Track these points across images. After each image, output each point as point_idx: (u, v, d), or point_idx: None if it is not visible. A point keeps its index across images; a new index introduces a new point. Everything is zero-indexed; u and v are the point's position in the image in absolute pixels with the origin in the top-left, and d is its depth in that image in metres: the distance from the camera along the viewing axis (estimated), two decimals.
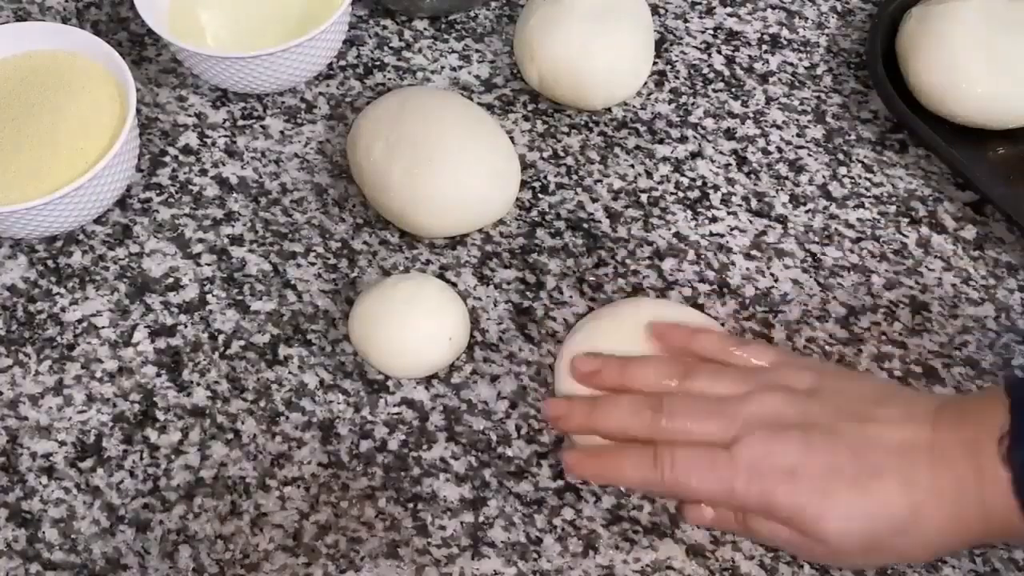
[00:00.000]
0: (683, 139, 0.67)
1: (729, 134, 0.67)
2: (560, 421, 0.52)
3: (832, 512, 0.45)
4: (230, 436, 0.57)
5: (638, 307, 0.56)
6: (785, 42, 0.72)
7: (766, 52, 0.71)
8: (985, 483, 0.44)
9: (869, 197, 0.65)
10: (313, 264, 0.62)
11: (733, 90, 0.69)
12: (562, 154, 0.66)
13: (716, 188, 0.65)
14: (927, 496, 0.45)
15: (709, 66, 0.71)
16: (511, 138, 0.65)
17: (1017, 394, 0.45)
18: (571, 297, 0.61)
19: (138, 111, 0.64)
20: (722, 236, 0.63)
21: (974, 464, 0.44)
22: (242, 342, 0.60)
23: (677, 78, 0.70)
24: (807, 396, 0.49)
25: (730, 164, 0.66)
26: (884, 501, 0.45)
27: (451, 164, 0.60)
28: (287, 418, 0.57)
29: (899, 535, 0.46)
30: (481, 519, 0.54)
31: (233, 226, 0.64)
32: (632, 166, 0.66)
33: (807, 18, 0.73)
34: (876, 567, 0.52)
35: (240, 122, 0.68)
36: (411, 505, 0.55)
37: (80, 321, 0.60)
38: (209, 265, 0.62)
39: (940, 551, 0.49)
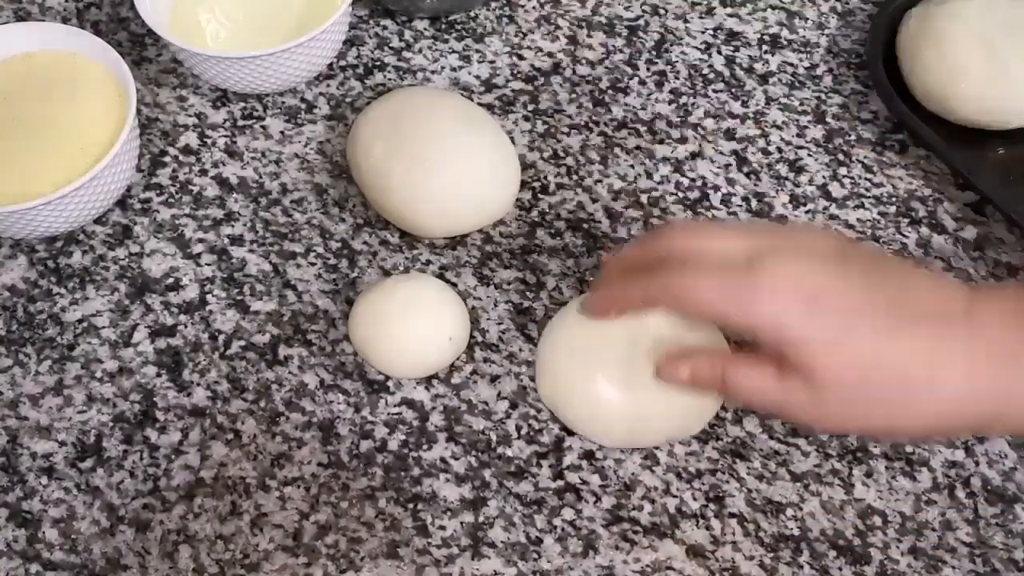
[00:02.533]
0: (683, 139, 0.67)
1: (729, 134, 0.67)
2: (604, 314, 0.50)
3: (842, 353, 0.41)
4: (230, 436, 0.57)
5: None
6: (785, 42, 0.72)
7: (766, 52, 0.71)
8: (1018, 362, 0.40)
9: (869, 197, 0.65)
10: (313, 264, 0.62)
11: (733, 90, 0.69)
12: (562, 154, 0.66)
13: (716, 188, 0.65)
14: (949, 365, 0.40)
15: (709, 66, 0.71)
16: (511, 138, 0.65)
17: None
18: (571, 297, 0.61)
19: (138, 111, 0.64)
20: None
21: (1013, 339, 0.40)
22: (242, 342, 0.60)
23: (677, 78, 0.70)
24: (841, 243, 0.44)
25: (730, 164, 0.66)
26: (908, 355, 0.41)
27: (451, 164, 0.60)
28: (287, 418, 0.57)
29: (902, 397, 0.41)
30: (481, 519, 0.54)
31: (233, 226, 0.64)
32: (632, 166, 0.66)
33: (807, 18, 0.73)
34: (852, 433, 0.47)
35: (240, 122, 0.68)
36: (411, 505, 0.55)
37: (80, 321, 0.60)
38: (209, 265, 0.62)
39: (942, 427, 0.44)
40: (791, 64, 0.71)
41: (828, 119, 0.68)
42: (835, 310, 0.41)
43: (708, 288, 0.43)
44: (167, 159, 0.66)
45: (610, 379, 0.54)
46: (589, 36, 0.72)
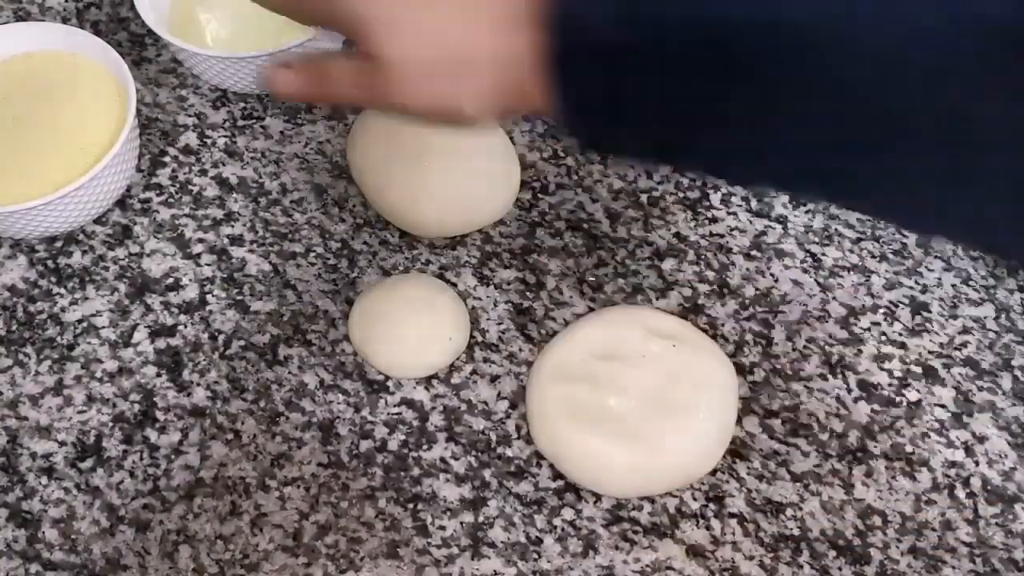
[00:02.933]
0: None
1: None
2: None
3: (395, 27, 0.42)
4: (230, 436, 0.57)
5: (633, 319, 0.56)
6: None
7: None
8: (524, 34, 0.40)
9: None
10: (313, 264, 0.62)
11: None
12: (562, 154, 0.66)
13: (716, 188, 0.65)
14: (479, 33, 0.41)
15: None
16: (511, 138, 0.65)
17: None
18: (571, 297, 0.61)
19: (138, 111, 0.64)
20: (722, 236, 0.63)
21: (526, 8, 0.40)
22: (242, 342, 0.60)
23: None
24: None
25: None
26: (442, 24, 0.42)
27: (451, 164, 0.60)
28: (287, 418, 0.57)
29: (454, 70, 0.42)
30: (481, 519, 0.54)
31: (233, 226, 0.64)
32: (632, 166, 0.66)
33: None
34: (438, 109, 0.46)
35: (240, 122, 0.68)
36: (411, 505, 0.55)
37: (80, 321, 0.60)
38: (209, 265, 0.62)
39: (494, 103, 0.44)
40: None
41: None
42: None
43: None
44: (167, 159, 0.66)
45: (606, 435, 0.53)
46: None
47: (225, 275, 0.62)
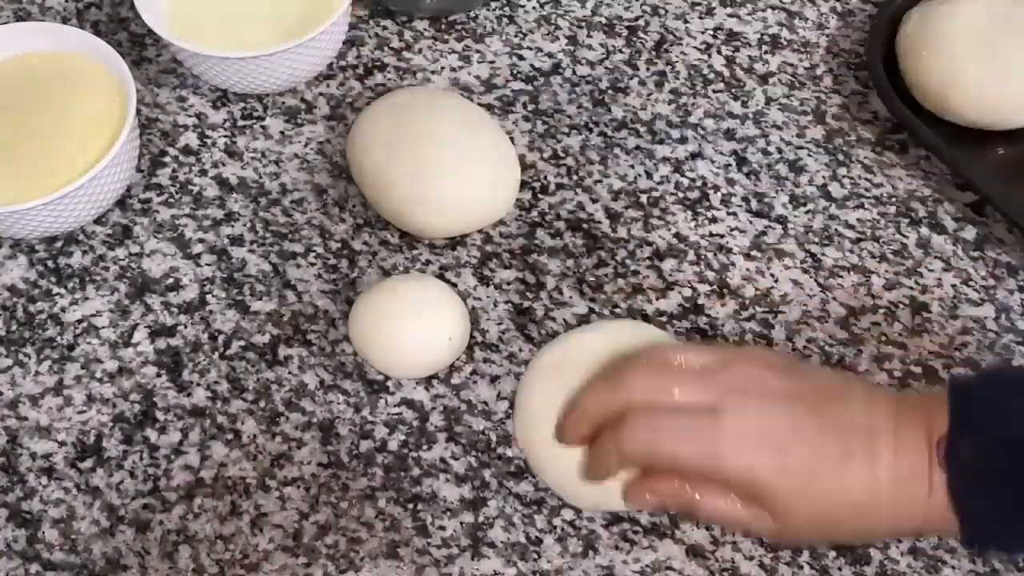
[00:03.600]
0: (683, 139, 0.67)
1: (729, 135, 0.67)
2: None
3: (806, 499, 0.45)
4: (230, 436, 0.57)
5: (589, 338, 0.53)
6: (785, 43, 0.72)
7: (766, 53, 0.71)
8: (933, 477, 0.44)
9: (869, 198, 0.65)
10: (313, 264, 0.62)
11: (733, 91, 0.69)
12: (562, 155, 0.66)
13: (716, 188, 0.65)
14: (887, 482, 0.45)
15: (709, 67, 0.71)
16: (511, 138, 0.65)
17: (955, 396, 0.45)
18: (571, 297, 0.61)
19: (138, 111, 0.64)
20: (722, 236, 0.63)
21: (928, 457, 0.44)
22: (242, 342, 0.60)
23: (677, 78, 0.70)
24: (785, 370, 0.48)
25: (730, 165, 0.66)
26: (850, 485, 0.45)
27: (451, 165, 0.60)
28: (287, 418, 0.57)
29: (855, 517, 0.46)
30: (481, 519, 0.54)
31: (233, 226, 0.64)
32: (632, 167, 0.66)
33: (807, 19, 0.73)
34: (824, 544, 0.53)
35: (240, 122, 0.68)
36: (411, 505, 0.55)
37: (80, 321, 0.60)
38: (209, 265, 0.62)
39: (889, 536, 0.51)
40: (791, 64, 0.71)
41: (828, 119, 0.68)
42: (799, 458, 0.45)
43: (683, 443, 0.45)
44: (167, 159, 0.66)
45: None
46: (589, 36, 0.72)
47: (225, 275, 0.62)
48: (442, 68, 0.70)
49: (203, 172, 0.66)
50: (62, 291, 0.61)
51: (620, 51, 0.71)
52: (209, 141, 0.67)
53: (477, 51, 0.71)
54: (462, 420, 0.57)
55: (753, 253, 0.63)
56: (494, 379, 0.58)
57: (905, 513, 0.45)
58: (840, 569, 0.53)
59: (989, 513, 0.44)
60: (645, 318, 0.60)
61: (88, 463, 0.56)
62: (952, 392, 0.46)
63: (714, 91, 0.69)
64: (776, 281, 0.62)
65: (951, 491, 0.44)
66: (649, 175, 0.66)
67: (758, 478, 0.45)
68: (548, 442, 0.50)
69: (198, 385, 0.58)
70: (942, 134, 0.64)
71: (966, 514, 0.44)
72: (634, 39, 0.72)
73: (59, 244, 0.63)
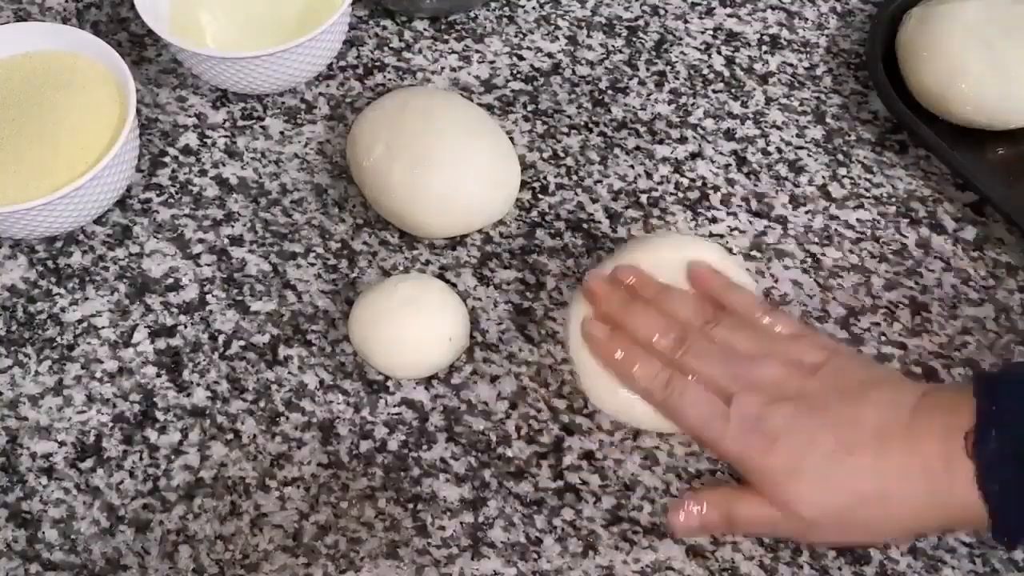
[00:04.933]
0: (683, 139, 0.67)
1: (729, 135, 0.67)
2: (596, 298, 0.54)
3: (802, 484, 0.47)
4: (230, 436, 0.57)
5: (675, 246, 0.56)
6: (785, 43, 0.72)
7: (766, 53, 0.71)
8: (953, 471, 0.45)
9: (869, 198, 0.65)
10: (313, 264, 0.62)
11: (733, 91, 0.69)
12: (562, 155, 0.66)
13: (716, 189, 0.65)
14: (897, 478, 0.46)
15: (709, 67, 0.71)
16: (511, 138, 0.65)
17: (982, 389, 0.46)
18: (571, 298, 0.61)
19: (138, 111, 0.64)
20: (722, 236, 0.63)
21: (944, 452, 0.46)
22: (242, 342, 0.60)
23: (677, 78, 0.70)
24: (810, 372, 0.50)
25: (730, 165, 0.66)
26: (853, 478, 0.47)
27: (451, 165, 0.60)
28: (287, 418, 0.57)
29: (869, 513, 0.47)
30: (481, 519, 0.54)
31: (233, 226, 0.64)
32: (632, 167, 0.66)
33: (807, 19, 0.73)
34: (855, 544, 0.53)
35: (240, 122, 0.68)
36: (411, 505, 0.55)
37: (80, 321, 0.60)
38: (209, 265, 0.62)
39: (915, 531, 0.51)
40: (791, 64, 0.71)
41: (828, 119, 0.68)
42: (789, 446, 0.48)
43: (695, 418, 0.50)
44: (167, 159, 0.66)
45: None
46: (589, 36, 0.72)
47: (225, 275, 0.62)
48: (442, 68, 0.70)
49: (203, 172, 0.66)
50: (62, 291, 0.61)
51: (620, 51, 0.71)
52: (209, 141, 0.67)
53: (477, 51, 0.71)
54: (462, 420, 0.57)
55: (753, 253, 0.63)
56: (494, 379, 0.58)
57: (924, 507, 0.46)
58: (840, 569, 0.53)
59: (1019, 504, 0.45)
60: None
61: (88, 463, 0.56)
62: (977, 385, 0.47)
63: (714, 91, 0.69)
64: (776, 281, 0.62)
65: (980, 483, 0.44)
66: (649, 175, 0.66)
67: (749, 464, 0.48)
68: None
69: (198, 385, 0.58)
70: (942, 134, 0.64)
71: (996, 506, 0.44)
72: (634, 39, 0.72)
73: (59, 244, 0.63)
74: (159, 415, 0.57)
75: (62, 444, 0.56)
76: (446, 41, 0.71)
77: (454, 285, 0.61)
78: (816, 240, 0.63)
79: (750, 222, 0.64)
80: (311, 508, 0.54)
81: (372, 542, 0.54)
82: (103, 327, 0.60)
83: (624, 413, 0.54)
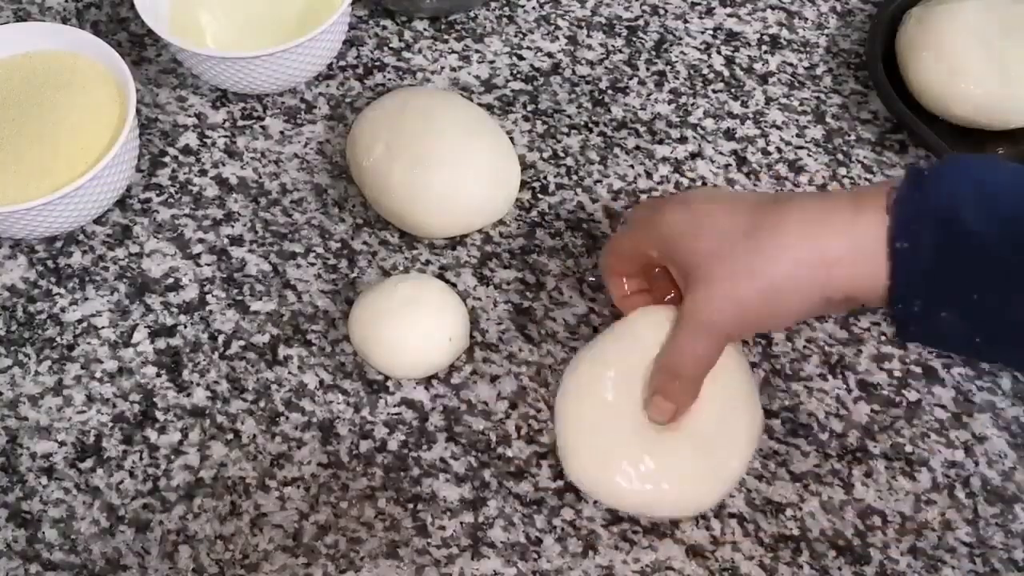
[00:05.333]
0: (683, 139, 0.67)
1: (729, 134, 0.67)
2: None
3: (718, 257, 0.47)
4: (230, 436, 0.57)
5: (652, 321, 0.52)
6: (785, 42, 0.72)
7: (766, 52, 0.71)
8: (862, 224, 0.45)
9: None
10: (313, 264, 0.62)
11: (733, 90, 0.69)
12: (562, 154, 0.66)
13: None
14: (791, 227, 0.46)
15: (709, 66, 0.71)
16: (511, 138, 0.65)
17: (912, 171, 0.46)
18: (571, 297, 0.61)
19: (138, 111, 0.64)
20: None
21: (854, 206, 0.46)
22: (242, 342, 0.60)
23: (677, 78, 0.70)
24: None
25: (730, 164, 0.66)
26: (761, 259, 0.46)
27: (451, 164, 0.60)
28: (287, 418, 0.57)
29: (768, 301, 0.47)
30: (481, 519, 0.54)
31: (233, 226, 0.64)
32: (632, 166, 0.66)
33: (807, 19, 0.73)
34: (745, 334, 0.54)
35: (240, 122, 0.68)
36: (411, 505, 0.55)
37: (80, 321, 0.60)
38: (209, 265, 0.62)
39: (802, 315, 0.49)
40: (791, 64, 0.71)
41: (828, 119, 0.68)
42: (711, 233, 0.48)
43: (628, 235, 0.52)
44: (167, 159, 0.66)
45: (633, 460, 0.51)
46: (589, 36, 0.72)
47: (225, 275, 0.62)
48: (442, 68, 0.70)
49: (203, 172, 0.66)
50: (62, 291, 0.61)
51: (620, 51, 0.71)
52: (209, 141, 0.67)
53: (477, 51, 0.71)
54: (462, 420, 0.57)
55: None
56: (494, 379, 0.58)
57: (823, 275, 0.46)
58: (840, 569, 0.53)
59: (921, 271, 0.44)
60: None
61: (88, 463, 0.56)
62: (910, 168, 0.47)
63: (714, 91, 0.69)
64: None
65: (890, 238, 0.44)
66: (649, 175, 0.66)
67: (677, 241, 0.49)
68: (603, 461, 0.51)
69: (198, 385, 0.58)
70: (942, 134, 0.64)
71: (898, 266, 0.44)
72: (634, 39, 0.72)
73: (59, 244, 0.63)
74: (159, 415, 0.57)
75: (62, 444, 0.56)
76: (446, 41, 0.71)
77: (454, 285, 0.61)
78: None
79: None
80: (311, 508, 0.54)
81: (372, 542, 0.54)
82: (103, 327, 0.60)
83: (605, 492, 0.52)
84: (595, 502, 0.55)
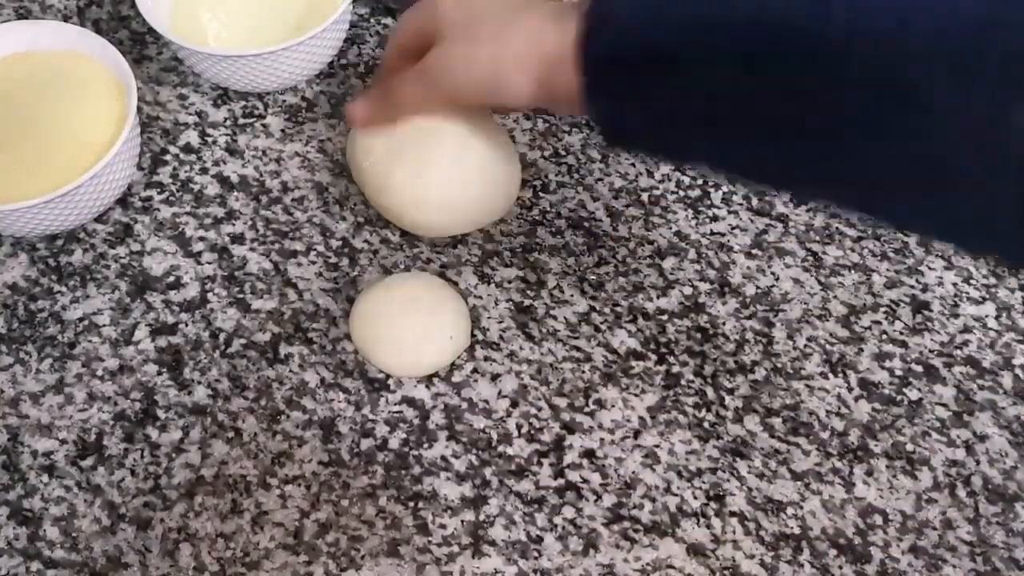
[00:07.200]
0: None
1: None
2: (362, 123, 0.58)
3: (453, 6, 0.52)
4: (231, 434, 0.57)
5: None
6: None
7: None
8: (566, 32, 0.46)
9: None
10: (314, 262, 0.62)
11: None
12: (563, 153, 0.66)
13: (717, 187, 0.65)
14: (523, 47, 0.49)
15: None
16: (512, 137, 0.65)
17: None
18: (572, 296, 0.61)
19: (139, 109, 0.64)
20: (723, 235, 0.63)
21: (573, 14, 0.47)
22: (243, 340, 0.60)
23: None
24: None
25: None
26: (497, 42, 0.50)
27: (451, 163, 0.60)
28: (288, 416, 0.57)
29: (499, 33, 0.50)
30: (482, 518, 0.54)
31: (234, 224, 0.64)
32: (633, 165, 0.66)
33: None
34: (482, 82, 0.54)
35: (241, 120, 0.68)
36: (412, 503, 0.55)
37: (81, 319, 0.60)
38: (210, 263, 0.62)
39: (532, 78, 0.50)
40: None
41: None
42: (471, 8, 0.51)
43: (404, 22, 0.55)
44: (168, 157, 0.66)
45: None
46: None
47: (226, 273, 0.62)
48: None
49: (204, 170, 0.66)
50: (63, 289, 0.61)
51: None
52: (210, 139, 0.67)
53: None
54: (463, 418, 0.57)
55: (754, 251, 0.63)
56: (495, 377, 0.58)
57: (542, 45, 0.48)
58: (841, 567, 0.53)
59: (599, 59, 0.45)
60: (645, 316, 0.60)
61: (89, 461, 0.56)
62: None
63: None
64: (777, 279, 0.62)
65: (579, 42, 0.46)
66: (650, 173, 0.66)
67: (449, 11, 0.52)
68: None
69: (199, 383, 0.58)
70: None
71: (586, 63, 0.46)
72: None
73: (60, 242, 0.63)
74: (160, 413, 0.57)
75: (63, 442, 0.56)
76: None
77: (455, 283, 0.61)
78: (817, 238, 0.63)
79: (751, 220, 0.64)
80: (312, 506, 0.55)
81: (373, 540, 0.54)
82: (104, 325, 0.60)
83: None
84: (596, 500, 0.55)
